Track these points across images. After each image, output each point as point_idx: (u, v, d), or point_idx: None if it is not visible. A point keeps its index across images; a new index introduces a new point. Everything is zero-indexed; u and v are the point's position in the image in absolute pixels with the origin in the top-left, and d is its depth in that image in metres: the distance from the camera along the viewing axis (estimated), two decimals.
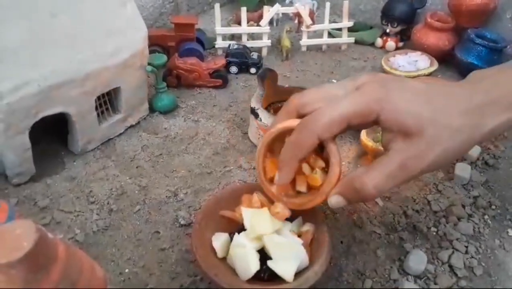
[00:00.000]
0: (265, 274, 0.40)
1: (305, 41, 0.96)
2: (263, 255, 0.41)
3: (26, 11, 0.52)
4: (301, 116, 0.40)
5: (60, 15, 0.55)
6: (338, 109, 0.37)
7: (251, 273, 0.39)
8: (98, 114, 0.62)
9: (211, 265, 0.40)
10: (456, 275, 0.47)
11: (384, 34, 0.99)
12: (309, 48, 0.98)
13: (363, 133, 0.62)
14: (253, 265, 0.39)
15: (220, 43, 0.92)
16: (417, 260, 0.47)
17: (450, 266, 0.48)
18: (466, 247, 0.50)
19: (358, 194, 0.37)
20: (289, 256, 0.40)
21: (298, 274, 0.40)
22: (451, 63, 0.87)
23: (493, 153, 0.64)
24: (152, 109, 0.72)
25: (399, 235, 0.51)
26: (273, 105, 0.70)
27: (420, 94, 0.37)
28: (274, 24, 1.07)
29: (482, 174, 0.61)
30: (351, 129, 0.39)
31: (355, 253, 0.49)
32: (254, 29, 0.93)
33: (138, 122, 0.70)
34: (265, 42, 0.93)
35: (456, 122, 0.36)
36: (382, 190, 0.36)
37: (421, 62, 0.84)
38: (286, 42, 0.91)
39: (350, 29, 0.97)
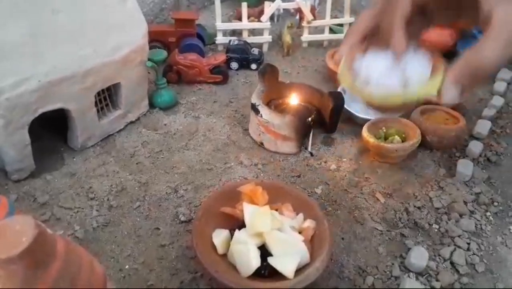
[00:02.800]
0: (266, 271, 0.40)
1: (306, 36, 0.96)
2: (264, 252, 0.40)
3: (27, 8, 0.52)
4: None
5: (61, 11, 0.55)
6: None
7: (252, 270, 0.39)
8: (98, 110, 0.62)
9: (212, 261, 0.40)
10: (458, 272, 0.46)
11: None
12: (310, 44, 0.97)
13: (365, 129, 0.61)
14: (254, 262, 0.39)
15: (220, 38, 0.92)
16: (419, 257, 0.46)
17: (452, 263, 0.47)
18: (468, 244, 0.49)
19: (476, 76, 0.34)
20: (289, 252, 0.40)
21: (299, 270, 0.40)
22: (453, 60, 0.87)
23: (495, 150, 0.64)
24: (152, 105, 0.72)
25: (401, 231, 0.51)
26: (274, 101, 0.70)
27: None
28: (275, 19, 1.06)
29: (484, 171, 0.60)
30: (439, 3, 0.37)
31: (356, 250, 0.49)
32: (255, 25, 0.92)
33: (138, 118, 0.69)
34: (266, 37, 0.93)
35: None
36: (498, 62, 0.34)
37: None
38: (287, 38, 0.91)
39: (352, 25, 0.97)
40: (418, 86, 0.35)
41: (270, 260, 0.40)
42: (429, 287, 0.45)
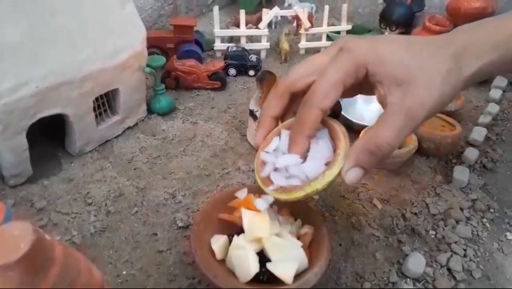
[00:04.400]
0: (264, 276, 0.39)
1: (303, 44, 0.96)
2: (262, 257, 0.40)
3: (26, 11, 0.52)
4: (294, 94, 0.40)
5: (59, 16, 0.55)
6: (330, 75, 0.36)
7: (251, 275, 0.39)
8: (96, 116, 0.62)
9: (210, 267, 0.40)
10: (454, 278, 0.47)
11: None
12: (308, 51, 0.98)
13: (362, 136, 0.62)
14: (253, 267, 0.39)
15: (218, 45, 0.92)
16: (416, 263, 0.46)
17: (449, 269, 0.47)
18: (465, 250, 0.50)
19: (375, 157, 0.36)
20: (288, 258, 0.40)
21: (297, 276, 0.40)
22: None
23: (491, 157, 0.65)
24: (150, 111, 0.72)
25: (398, 238, 0.51)
26: None
27: (403, 44, 0.37)
28: (273, 26, 1.07)
29: (480, 177, 0.61)
30: (348, 93, 0.39)
31: (354, 256, 0.49)
32: (253, 32, 0.93)
33: (136, 124, 0.70)
34: (264, 44, 0.93)
35: (444, 66, 0.35)
36: (396, 145, 0.36)
37: None
38: (285, 45, 0.92)
39: (349, 32, 0.98)
40: (318, 178, 0.37)
41: (269, 265, 0.40)
42: None
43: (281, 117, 0.42)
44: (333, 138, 0.39)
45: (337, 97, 0.36)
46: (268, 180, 0.40)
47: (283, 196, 0.38)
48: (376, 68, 0.36)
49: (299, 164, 0.38)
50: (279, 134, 0.42)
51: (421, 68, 0.35)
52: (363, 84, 0.37)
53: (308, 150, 0.39)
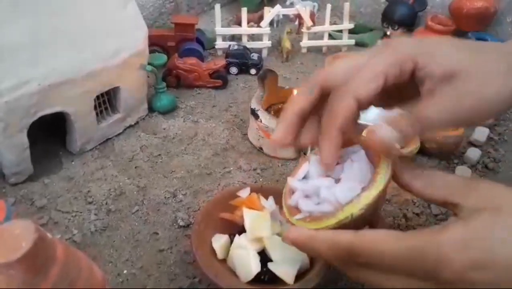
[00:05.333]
0: (266, 276, 0.39)
1: (305, 42, 0.96)
2: (264, 257, 0.40)
3: (27, 10, 0.52)
4: (327, 90, 0.34)
5: (61, 14, 0.55)
6: (371, 65, 0.32)
7: (252, 275, 0.39)
8: (97, 114, 0.61)
9: (211, 266, 0.40)
10: None
11: (385, 36, 0.99)
12: (310, 49, 0.97)
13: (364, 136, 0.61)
14: (254, 267, 0.39)
15: (220, 43, 0.92)
16: None
17: None
18: None
19: (413, 129, 0.32)
20: (289, 258, 0.40)
21: (298, 276, 0.39)
22: None
23: (493, 157, 0.64)
24: (151, 109, 0.72)
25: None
26: (274, 106, 0.70)
27: (456, 45, 0.33)
28: (275, 25, 1.06)
29: (482, 177, 0.61)
30: (388, 90, 0.33)
31: None
32: (255, 30, 0.93)
33: (137, 122, 0.69)
34: (266, 43, 0.93)
35: (504, 66, 0.32)
36: (438, 125, 0.32)
37: None
38: (287, 44, 0.91)
39: (351, 31, 0.97)
40: (353, 201, 0.31)
41: (270, 265, 0.40)
42: None
43: (307, 116, 0.36)
44: (372, 160, 0.34)
45: (377, 88, 0.32)
46: (295, 210, 0.35)
47: (312, 226, 0.32)
48: (426, 60, 0.32)
49: (331, 187, 0.34)
50: (309, 161, 0.37)
51: (477, 64, 0.31)
52: (406, 77, 0.33)
53: (340, 148, 0.33)
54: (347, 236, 0.30)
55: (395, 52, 0.33)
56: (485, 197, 0.30)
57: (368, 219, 0.32)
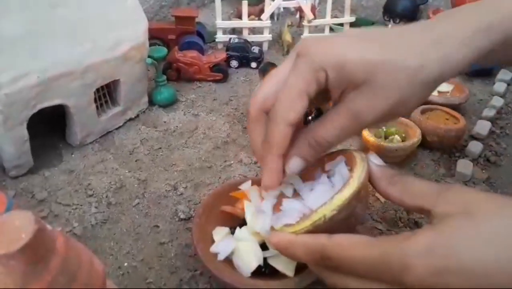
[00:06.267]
0: (267, 269, 0.39)
1: (306, 36, 0.96)
2: (265, 249, 0.40)
3: (27, 2, 0.51)
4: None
5: (61, 6, 0.55)
6: (290, 86, 0.34)
7: (253, 268, 0.39)
8: (97, 107, 0.61)
9: (212, 259, 0.40)
10: None
11: None
12: None
13: (365, 129, 0.61)
14: (255, 260, 0.39)
15: (220, 37, 0.92)
16: None
17: None
18: None
19: (314, 151, 0.35)
20: None
21: (300, 269, 0.39)
22: None
23: (495, 150, 0.64)
24: (151, 102, 0.71)
25: (401, 231, 0.51)
26: None
27: (367, 38, 0.34)
28: (275, 18, 1.06)
29: (484, 171, 0.60)
30: (316, 100, 0.36)
31: None
32: (255, 23, 0.92)
33: (138, 115, 0.69)
34: (266, 36, 0.93)
35: (414, 62, 0.32)
36: (335, 143, 0.35)
37: None
38: (287, 37, 0.91)
39: (352, 25, 0.97)
40: (326, 203, 0.32)
41: (270, 260, 0.40)
42: None
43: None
44: (350, 167, 0.36)
45: (303, 108, 0.34)
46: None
47: (290, 229, 0.34)
48: (334, 72, 0.33)
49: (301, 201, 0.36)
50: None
51: (384, 65, 0.32)
52: (325, 87, 0.34)
53: (282, 171, 0.36)
54: (320, 240, 0.31)
55: (308, 62, 0.33)
56: (455, 202, 0.30)
57: (346, 222, 0.33)
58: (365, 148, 0.63)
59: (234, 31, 0.95)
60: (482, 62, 0.35)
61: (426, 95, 0.34)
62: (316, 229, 0.32)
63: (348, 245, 0.30)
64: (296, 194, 0.39)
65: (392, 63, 0.32)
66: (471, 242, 0.26)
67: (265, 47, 0.93)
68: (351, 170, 0.34)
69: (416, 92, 0.33)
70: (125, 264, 0.46)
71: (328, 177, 0.38)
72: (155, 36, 0.83)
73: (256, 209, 0.40)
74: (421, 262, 0.26)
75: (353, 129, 0.34)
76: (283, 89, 0.34)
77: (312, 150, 0.35)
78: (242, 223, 0.43)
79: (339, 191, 0.32)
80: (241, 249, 0.40)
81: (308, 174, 0.40)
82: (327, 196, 0.33)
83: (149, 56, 0.66)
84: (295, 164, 0.36)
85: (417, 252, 0.27)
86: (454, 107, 0.68)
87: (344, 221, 0.33)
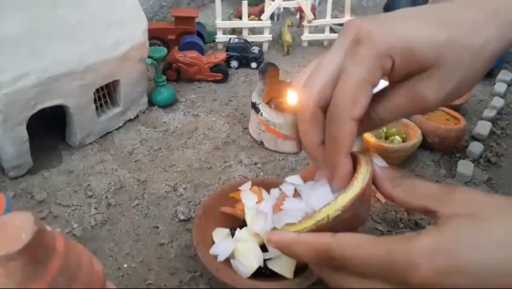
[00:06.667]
0: (267, 270, 0.39)
1: (306, 36, 0.95)
2: (265, 251, 0.40)
3: (27, 3, 0.51)
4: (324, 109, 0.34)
5: (61, 6, 0.55)
6: (352, 77, 0.31)
7: (253, 269, 0.39)
8: (96, 107, 0.61)
9: (212, 260, 0.40)
10: None
11: None
12: (311, 43, 0.97)
13: None
14: (255, 261, 0.39)
15: (220, 37, 0.91)
16: None
17: None
18: None
19: (363, 123, 0.33)
20: None
21: (299, 270, 0.39)
22: None
23: (496, 151, 0.64)
24: (151, 103, 0.71)
25: (401, 232, 0.51)
26: (274, 100, 0.70)
27: (424, 18, 0.32)
28: (275, 18, 1.06)
29: (484, 172, 0.60)
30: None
31: None
32: (255, 23, 0.92)
33: (137, 116, 0.69)
34: (266, 36, 0.92)
35: (476, 40, 0.31)
36: (387, 120, 0.34)
37: None
38: (287, 37, 0.91)
39: None
40: (330, 203, 0.32)
41: (269, 262, 0.39)
42: None
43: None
44: (355, 168, 0.35)
45: (368, 100, 0.31)
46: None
47: (293, 228, 0.33)
48: (402, 58, 0.31)
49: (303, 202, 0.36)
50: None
51: (451, 45, 0.30)
52: (389, 72, 0.32)
53: (351, 170, 0.34)
54: (324, 238, 0.30)
55: (372, 49, 0.31)
56: (460, 204, 0.30)
57: (349, 222, 0.33)
58: (365, 149, 0.63)
59: (234, 31, 0.95)
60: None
61: (485, 72, 0.33)
62: (319, 229, 0.32)
63: (353, 244, 0.29)
64: (296, 193, 0.39)
65: (457, 43, 0.31)
66: (476, 242, 0.26)
67: (265, 47, 0.93)
68: (355, 171, 0.34)
69: (478, 69, 0.32)
70: (125, 265, 0.45)
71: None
72: (155, 36, 0.83)
73: (256, 210, 0.39)
74: (426, 262, 0.26)
75: (411, 110, 0.33)
76: (343, 79, 0.31)
77: (362, 124, 0.32)
78: (242, 224, 0.43)
79: (343, 192, 0.32)
80: (241, 250, 0.40)
81: (308, 174, 0.40)
82: (329, 197, 0.33)
83: (149, 57, 0.66)
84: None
85: (422, 251, 0.26)
86: (455, 107, 0.68)
87: (347, 222, 0.32)
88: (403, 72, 0.32)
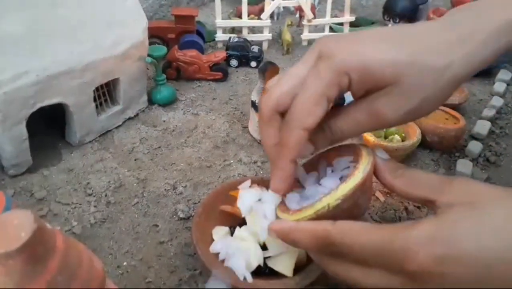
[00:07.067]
0: (267, 269, 0.39)
1: (306, 35, 0.95)
2: (265, 249, 0.40)
3: (27, 2, 0.51)
4: (283, 115, 0.36)
5: (60, 5, 0.55)
6: (310, 90, 0.33)
7: (253, 268, 0.39)
8: (96, 106, 0.61)
9: (212, 258, 0.40)
10: None
11: None
12: (310, 42, 0.97)
13: None
14: (255, 260, 0.39)
15: (220, 36, 0.91)
16: None
17: None
18: None
19: (326, 137, 0.35)
20: (286, 249, 0.40)
21: (299, 269, 0.39)
22: None
23: (495, 150, 0.64)
24: (151, 102, 0.71)
25: None
26: None
27: (390, 37, 0.33)
28: (275, 17, 1.06)
29: (483, 171, 0.60)
30: (334, 103, 0.35)
31: None
32: (255, 23, 0.92)
33: (137, 114, 0.69)
34: (266, 35, 0.92)
35: (440, 60, 0.31)
36: (349, 135, 0.35)
37: None
38: (287, 36, 0.91)
39: (352, 24, 0.97)
40: (330, 192, 0.33)
41: (268, 261, 0.40)
42: None
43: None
44: (356, 159, 0.36)
45: (322, 113, 0.33)
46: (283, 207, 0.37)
47: (293, 218, 0.34)
48: (359, 75, 0.32)
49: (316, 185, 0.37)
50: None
51: (411, 65, 0.31)
52: (346, 91, 0.34)
53: (293, 176, 0.36)
54: (324, 225, 0.31)
55: (331, 65, 0.32)
56: (459, 193, 0.30)
57: (349, 212, 0.33)
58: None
59: (233, 30, 0.95)
60: (494, 61, 0.35)
61: (449, 95, 0.34)
62: (319, 218, 0.32)
63: (352, 231, 0.30)
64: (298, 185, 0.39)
65: (419, 63, 0.31)
66: (474, 231, 0.26)
67: (265, 46, 0.93)
68: (356, 162, 0.35)
69: (441, 91, 0.33)
70: (124, 263, 0.45)
71: (332, 171, 0.39)
72: (155, 35, 0.83)
73: (253, 209, 0.40)
74: (423, 250, 0.26)
75: (371, 126, 0.34)
76: (301, 91, 0.33)
77: (324, 137, 0.35)
78: (242, 222, 0.43)
79: (343, 182, 0.33)
80: (241, 248, 0.40)
81: (311, 166, 0.40)
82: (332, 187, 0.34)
83: (148, 55, 0.66)
84: (305, 147, 0.35)
85: (420, 239, 0.27)
86: (454, 107, 0.68)
87: (347, 211, 0.33)
88: (362, 88, 0.33)
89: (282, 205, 0.37)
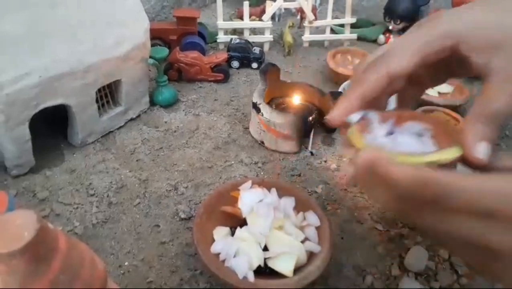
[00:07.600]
0: (267, 269, 0.40)
1: (307, 36, 0.96)
2: (265, 249, 0.40)
3: (28, 2, 0.52)
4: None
5: (62, 6, 0.55)
6: (407, 42, 0.32)
7: (253, 267, 0.39)
8: (98, 107, 0.61)
9: (212, 259, 0.40)
10: (456, 272, 0.47)
11: (387, 31, 0.98)
12: (311, 43, 0.97)
13: None
14: (255, 260, 0.39)
15: (221, 37, 0.92)
16: (418, 257, 0.46)
17: (451, 264, 0.47)
18: None
19: (494, 126, 0.31)
20: (286, 250, 0.40)
21: (298, 269, 0.40)
22: None
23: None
24: (152, 103, 0.72)
25: (400, 231, 0.51)
26: (275, 100, 0.70)
27: (495, 6, 0.32)
28: (276, 19, 1.06)
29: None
30: (436, 75, 0.34)
31: (356, 249, 0.49)
32: (256, 24, 0.92)
33: (139, 115, 0.69)
34: (267, 37, 0.93)
35: None
36: (509, 112, 0.31)
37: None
38: (288, 38, 0.91)
39: (353, 26, 0.97)
40: (439, 152, 0.31)
41: (268, 261, 0.40)
42: (428, 287, 0.45)
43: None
44: (440, 144, 0.33)
45: (408, 66, 0.32)
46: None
47: (397, 159, 0.29)
48: (468, 36, 0.31)
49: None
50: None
51: None
52: (452, 62, 0.33)
53: (350, 114, 0.33)
54: (431, 171, 0.28)
55: (432, 28, 0.32)
56: None
57: None
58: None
59: (235, 31, 0.95)
60: None
61: None
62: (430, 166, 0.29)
63: (464, 178, 0.27)
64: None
65: None
66: None
67: (266, 47, 0.94)
68: (431, 130, 0.33)
69: None
70: (126, 263, 0.46)
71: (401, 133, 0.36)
72: (157, 37, 0.83)
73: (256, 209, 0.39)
74: None
75: None
76: (399, 44, 0.33)
77: (492, 126, 0.31)
78: (243, 223, 0.43)
79: (449, 148, 0.31)
80: (242, 248, 0.40)
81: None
82: (418, 146, 0.32)
83: (150, 57, 0.66)
84: (484, 149, 0.30)
85: None
86: (455, 108, 0.68)
87: None
88: (472, 51, 0.32)
89: (360, 125, 0.34)
